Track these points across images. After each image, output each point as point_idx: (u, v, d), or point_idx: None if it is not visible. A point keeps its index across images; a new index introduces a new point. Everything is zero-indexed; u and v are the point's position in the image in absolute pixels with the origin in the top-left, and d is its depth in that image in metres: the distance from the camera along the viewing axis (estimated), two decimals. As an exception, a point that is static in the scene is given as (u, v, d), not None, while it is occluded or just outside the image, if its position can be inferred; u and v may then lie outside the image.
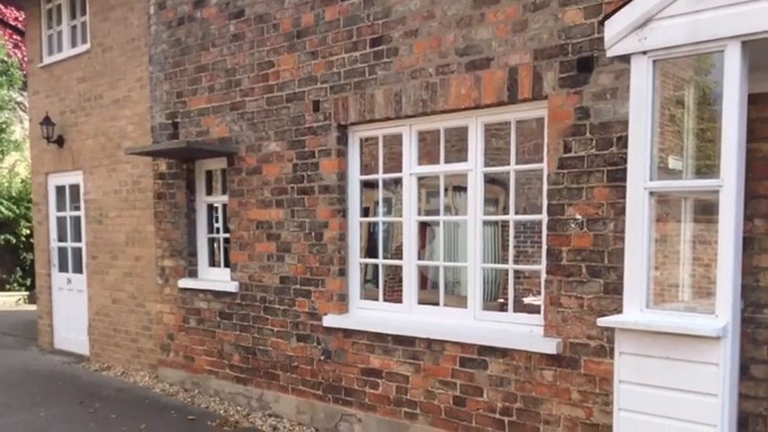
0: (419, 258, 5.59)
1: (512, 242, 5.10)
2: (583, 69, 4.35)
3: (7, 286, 16.37)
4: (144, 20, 7.76)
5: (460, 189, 5.63)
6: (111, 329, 8.67)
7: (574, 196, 4.44)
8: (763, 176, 3.84)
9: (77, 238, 9.30)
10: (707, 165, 3.60)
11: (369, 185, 6.08)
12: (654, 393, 3.37)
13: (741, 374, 3.58)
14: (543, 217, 4.68)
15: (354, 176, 5.86)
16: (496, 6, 4.75)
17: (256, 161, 6.45)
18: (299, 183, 6.08)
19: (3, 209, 15.77)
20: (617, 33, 3.46)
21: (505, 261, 5.36)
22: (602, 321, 3.62)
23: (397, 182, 5.72)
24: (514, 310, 5.04)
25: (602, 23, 3.66)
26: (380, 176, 5.81)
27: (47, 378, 8.04)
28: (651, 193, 3.45)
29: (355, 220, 5.88)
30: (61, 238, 9.65)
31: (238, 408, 6.65)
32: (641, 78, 3.43)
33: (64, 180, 9.48)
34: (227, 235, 6.98)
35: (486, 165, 5.09)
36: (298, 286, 6.15)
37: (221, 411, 6.58)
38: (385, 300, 5.81)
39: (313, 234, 5.99)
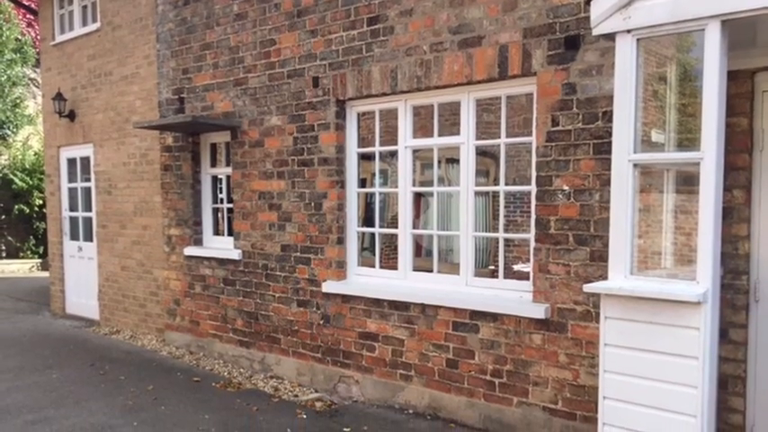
0: (414, 227, 5.68)
1: (502, 212, 5.18)
2: (570, 47, 4.44)
3: (21, 254, 16.60)
4: (151, -1, 7.87)
5: (453, 161, 5.71)
6: (119, 295, 8.88)
7: (561, 168, 4.55)
8: (741, 149, 3.94)
9: (88, 208, 9.49)
10: (688, 138, 3.63)
11: (366, 158, 6.20)
12: (638, 356, 3.43)
13: (721, 338, 3.65)
14: (532, 188, 4.79)
15: (352, 149, 5.98)
16: (488, -14, 4.80)
17: (258, 134, 6.57)
18: (300, 155, 6.21)
19: (17, 180, 16.00)
20: (602, 13, 3.50)
21: (496, 230, 5.48)
22: (589, 287, 3.64)
23: (393, 154, 5.81)
24: (505, 277, 5.14)
25: (588, 3, 3.70)
26: (377, 149, 5.90)
27: (59, 341, 8.20)
28: (635, 165, 3.51)
29: (353, 190, 6.00)
30: (72, 207, 9.84)
31: (241, 370, 6.82)
32: (626, 56, 3.48)
33: (75, 153, 9.64)
34: (231, 205, 7.11)
35: (478, 138, 5.20)
36: (298, 254, 6.30)
37: (225, 373, 6.74)
38: (381, 267, 5.91)
39: (313, 204, 6.12)
